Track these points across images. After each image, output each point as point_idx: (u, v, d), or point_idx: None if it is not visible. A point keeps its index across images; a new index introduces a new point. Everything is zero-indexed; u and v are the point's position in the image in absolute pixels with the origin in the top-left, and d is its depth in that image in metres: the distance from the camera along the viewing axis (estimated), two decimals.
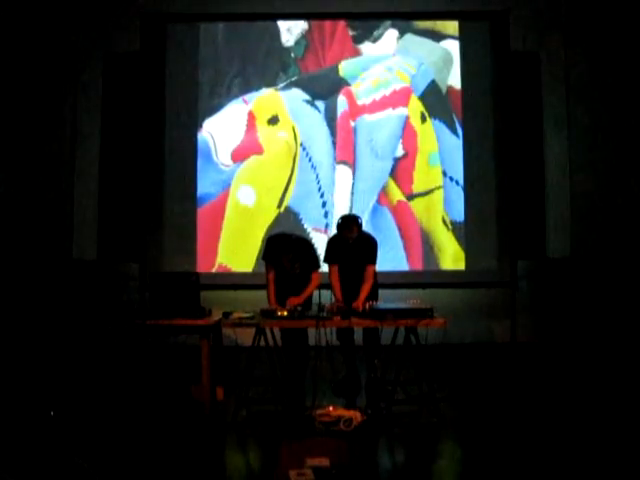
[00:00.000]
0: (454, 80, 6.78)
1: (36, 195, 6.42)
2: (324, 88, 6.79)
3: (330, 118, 6.75)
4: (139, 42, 6.58)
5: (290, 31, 6.83)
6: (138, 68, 6.60)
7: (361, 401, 4.79)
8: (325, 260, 5.11)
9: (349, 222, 5.00)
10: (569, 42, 7.01)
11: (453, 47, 6.77)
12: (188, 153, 6.71)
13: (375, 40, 6.81)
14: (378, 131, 6.75)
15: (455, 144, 6.70)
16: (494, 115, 6.62)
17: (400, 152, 6.74)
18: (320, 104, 6.78)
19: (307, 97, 6.79)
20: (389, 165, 6.74)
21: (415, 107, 6.76)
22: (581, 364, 5.92)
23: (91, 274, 6.79)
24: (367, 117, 6.76)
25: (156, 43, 6.66)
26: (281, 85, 6.81)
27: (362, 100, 6.77)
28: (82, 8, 7.01)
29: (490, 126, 6.64)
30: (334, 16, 6.79)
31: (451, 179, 6.69)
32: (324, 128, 6.76)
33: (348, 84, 6.78)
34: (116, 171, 6.89)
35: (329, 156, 6.74)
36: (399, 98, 6.76)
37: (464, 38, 6.72)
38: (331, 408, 4.32)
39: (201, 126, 6.75)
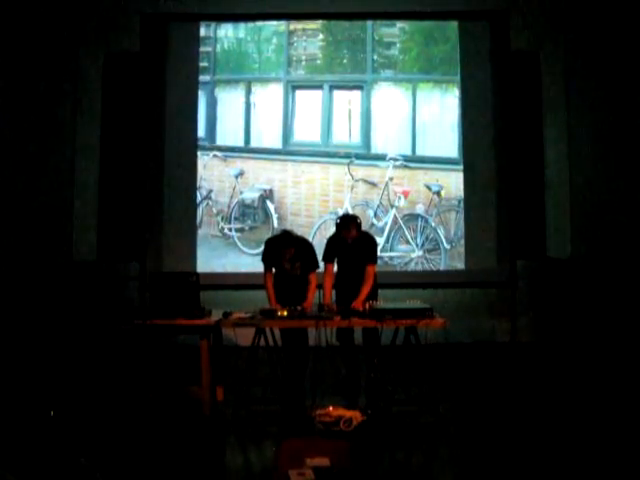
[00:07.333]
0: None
1: (36, 195, 6.41)
2: None
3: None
4: (139, 42, 6.57)
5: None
6: (138, 68, 6.59)
7: (361, 401, 4.79)
8: (323, 259, 5.11)
9: (348, 222, 5.00)
10: (569, 42, 7.00)
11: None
12: (188, 153, 6.71)
13: None
14: None
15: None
16: (494, 115, 6.62)
17: None
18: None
19: None
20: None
21: None
22: (581, 364, 5.91)
23: (91, 274, 6.78)
24: None
25: (156, 43, 6.65)
26: None
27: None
28: (82, 8, 7.01)
29: (490, 126, 6.63)
30: (335, 16, 6.77)
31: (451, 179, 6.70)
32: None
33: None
34: (116, 171, 6.88)
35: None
36: None
37: (464, 38, 6.71)
38: (331, 408, 4.32)
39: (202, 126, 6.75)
